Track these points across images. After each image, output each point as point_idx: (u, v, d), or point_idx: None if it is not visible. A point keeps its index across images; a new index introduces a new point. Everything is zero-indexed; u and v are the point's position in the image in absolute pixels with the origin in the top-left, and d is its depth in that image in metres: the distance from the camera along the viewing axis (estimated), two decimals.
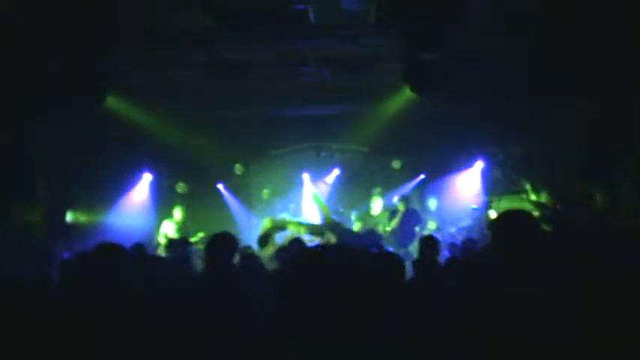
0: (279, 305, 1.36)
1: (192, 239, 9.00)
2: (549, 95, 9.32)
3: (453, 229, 10.19)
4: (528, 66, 8.60)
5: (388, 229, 9.59)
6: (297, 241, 5.61)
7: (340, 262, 1.35)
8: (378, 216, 10.08)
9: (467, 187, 11.49)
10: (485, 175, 11.39)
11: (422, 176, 11.46)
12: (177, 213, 10.09)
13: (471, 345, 2.15)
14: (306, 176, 11.57)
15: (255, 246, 7.92)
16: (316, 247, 1.52)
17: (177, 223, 10.00)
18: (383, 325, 1.32)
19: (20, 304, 2.94)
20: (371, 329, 1.30)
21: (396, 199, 10.23)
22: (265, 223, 8.59)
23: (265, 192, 11.78)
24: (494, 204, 10.53)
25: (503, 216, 2.57)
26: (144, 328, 3.02)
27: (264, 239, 6.86)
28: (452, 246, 7.94)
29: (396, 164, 11.77)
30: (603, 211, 8.94)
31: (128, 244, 5.26)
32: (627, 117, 8.41)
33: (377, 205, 10.23)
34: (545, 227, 8.59)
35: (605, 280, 2.62)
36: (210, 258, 4.02)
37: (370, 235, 7.90)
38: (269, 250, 6.37)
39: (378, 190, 11.22)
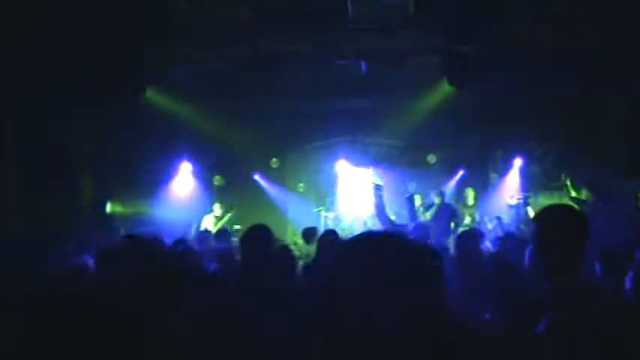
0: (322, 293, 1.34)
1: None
2: (590, 90, 9.12)
3: (490, 225, 10.05)
4: (569, 61, 8.42)
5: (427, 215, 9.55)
6: (330, 233, 5.57)
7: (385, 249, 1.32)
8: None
9: (504, 182, 11.32)
10: (524, 171, 11.21)
11: (461, 172, 11.33)
12: (217, 208, 10.22)
13: (507, 345, 2.11)
14: (342, 163, 11.46)
15: (286, 235, 7.84)
16: (364, 233, 1.48)
17: (216, 217, 10.12)
18: (411, 321, 1.30)
19: (59, 296, 3.00)
20: (400, 324, 1.28)
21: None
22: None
23: (300, 185, 11.83)
24: (531, 200, 10.33)
25: (545, 210, 2.42)
26: (175, 322, 3.04)
27: (311, 234, 6.64)
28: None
29: (431, 159, 11.68)
30: None
31: (166, 236, 5.35)
32: None
33: (416, 202, 10.18)
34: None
35: None
36: (245, 251, 4.03)
37: (421, 228, 7.69)
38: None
39: (413, 185, 11.14)
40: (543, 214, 2.37)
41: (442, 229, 9.27)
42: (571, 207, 2.52)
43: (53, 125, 9.02)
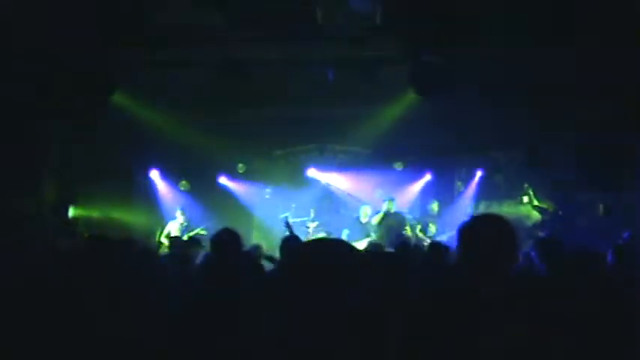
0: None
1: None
2: (554, 100, 9.32)
3: (453, 233, 10.14)
4: (533, 70, 8.60)
5: (374, 221, 9.66)
6: (292, 238, 5.53)
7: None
8: (367, 224, 10.05)
9: (468, 191, 11.47)
10: (487, 179, 11.37)
11: (428, 176, 11.41)
12: (179, 215, 10.18)
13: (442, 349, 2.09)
14: (313, 171, 11.47)
15: (252, 240, 7.71)
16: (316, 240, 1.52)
17: (180, 223, 10.07)
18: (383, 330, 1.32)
19: (16, 300, 2.95)
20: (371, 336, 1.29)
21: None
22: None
23: (267, 191, 11.78)
24: (494, 209, 10.51)
25: (472, 221, 2.34)
26: (134, 324, 3.00)
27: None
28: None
29: (398, 166, 11.76)
30: (604, 219, 8.96)
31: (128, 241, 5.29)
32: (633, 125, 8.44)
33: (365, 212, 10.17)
34: (543, 232, 8.60)
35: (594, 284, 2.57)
36: (213, 254, 4.02)
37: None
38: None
39: (379, 192, 11.21)
40: (468, 225, 2.30)
41: (393, 236, 9.23)
42: (500, 216, 2.38)
43: (16, 127, 8.83)
